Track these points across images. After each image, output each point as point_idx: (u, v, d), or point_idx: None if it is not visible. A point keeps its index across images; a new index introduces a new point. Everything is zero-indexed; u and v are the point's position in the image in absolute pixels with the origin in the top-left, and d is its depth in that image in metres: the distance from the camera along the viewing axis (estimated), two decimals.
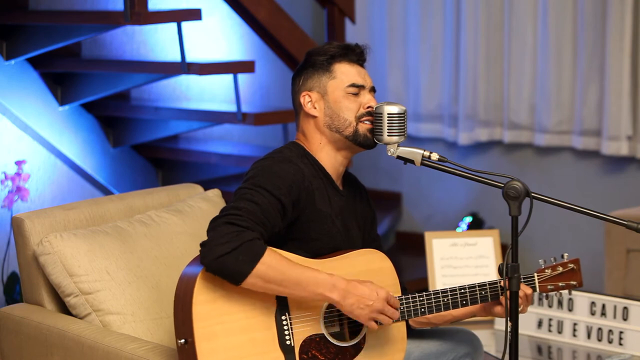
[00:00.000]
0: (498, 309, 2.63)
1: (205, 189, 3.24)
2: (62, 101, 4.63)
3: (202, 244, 2.34)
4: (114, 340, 2.58)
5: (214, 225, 2.34)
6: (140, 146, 5.00)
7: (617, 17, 4.98)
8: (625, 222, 2.47)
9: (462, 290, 2.60)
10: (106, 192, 4.77)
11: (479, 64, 5.49)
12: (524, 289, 2.62)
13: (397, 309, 2.46)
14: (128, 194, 3.08)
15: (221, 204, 3.13)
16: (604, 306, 3.39)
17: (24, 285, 2.86)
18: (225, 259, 2.29)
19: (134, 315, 2.70)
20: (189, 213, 3.00)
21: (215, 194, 3.16)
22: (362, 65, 2.63)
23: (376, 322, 2.44)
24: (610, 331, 3.36)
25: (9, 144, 4.36)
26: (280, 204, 2.42)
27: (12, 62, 4.39)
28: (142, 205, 3.04)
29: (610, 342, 3.36)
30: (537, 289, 2.68)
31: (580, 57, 5.16)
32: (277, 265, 2.34)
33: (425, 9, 5.69)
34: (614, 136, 5.06)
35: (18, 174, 4.12)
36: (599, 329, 3.38)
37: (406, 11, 5.77)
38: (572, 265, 2.70)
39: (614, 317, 3.36)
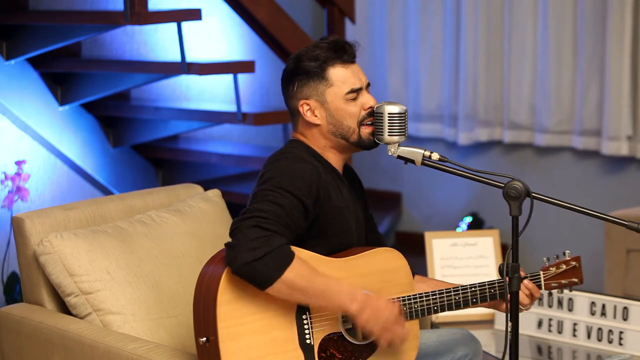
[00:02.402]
0: (504, 306, 2.63)
1: (205, 189, 3.24)
2: (62, 101, 4.63)
3: (229, 246, 2.32)
4: (114, 340, 2.58)
5: (240, 228, 2.32)
6: (140, 146, 5.00)
7: (617, 17, 4.98)
8: (625, 222, 2.47)
9: (473, 289, 2.61)
10: (106, 192, 4.77)
11: (479, 64, 5.50)
12: (534, 292, 2.62)
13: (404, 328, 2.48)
14: (128, 194, 3.08)
15: (221, 204, 3.13)
16: (604, 306, 3.39)
17: (24, 285, 2.86)
18: (255, 265, 2.29)
19: (134, 315, 2.70)
20: (189, 213, 3.00)
21: (215, 194, 3.16)
22: (354, 62, 2.61)
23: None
24: (610, 331, 3.36)
25: (9, 144, 4.36)
26: (302, 205, 2.42)
27: (12, 62, 4.39)
28: (142, 205, 3.03)
29: (610, 342, 3.36)
30: (542, 287, 2.69)
31: (580, 57, 5.16)
32: (304, 274, 2.34)
33: (425, 9, 5.69)
34: (614, 136, 5.06)
35: (18, 174, 4.12)
36: (599, 329, 3.38)
37: (406, 11, 5.77)
38: (574, 263, 2.71)
39: (614, 317, 3.36)
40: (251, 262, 2.28)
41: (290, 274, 2.31)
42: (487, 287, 2.62)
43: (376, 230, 2.83)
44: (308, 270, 2.35)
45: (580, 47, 5.16)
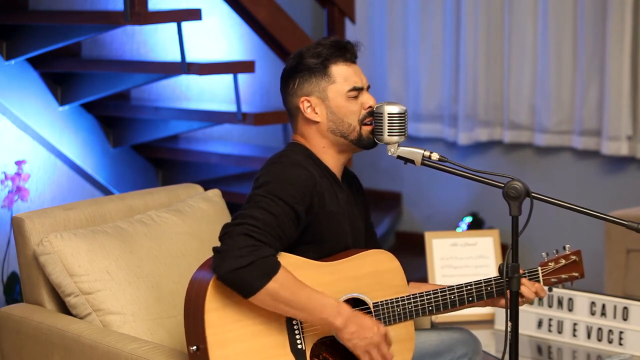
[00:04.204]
0: (503, 302, 2.62)
1: (205, 189, 3.24)
2: (62, 101, 4.63)
3: (216, 250, 2.33)
4: (114, 340, 2.58)
5: (230, 234, 2.32)
6: (140, 146, 5.00)
7: (617, 17, 4.99)
8: (625, 222, 2.47)
9: (469, 287, 2.60)
10: (106, 192, 4.77)
11: (479, 64, 5.50)
12: (539, 292, 2.61)
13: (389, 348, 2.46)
14: (128, 194, 3.08)
15: (221, 204, 3.13)
16: (604, 306, 3.39)
17: (24, 285, 2.86)
18: (239, 272, 2.28)
19: (134, 315, 2.70)
20: (189, 213, 3.00)
21: (215, 194, 3.16)
22: (355, 62, 2.61)
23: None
24: (610, 331, 3.36)
25: (9, 144, 4.36)
26: (294, 213, 2.41)
27: (12, 62, 4.39)
28: (142, 205, 3.03)
29: (610, 342, 3.36)
30: (541, 282, 2.68)
31: (580, 57, 5.16)
32: (288, 285, 2.33)
33: (425, 9, 5.69)
34: (614, 136, 5.06)
35: (18, 174, 4.12)
36: (599, 329, 3.38)
37: (406, 11, 5.77)
38: (574, 257, 2.71)
39: (614, 317, 3.36)
40: (236, 269, 2.28)
41: (275, 284, 2.31)
42: (483, 284, 2.61)
43: (375, 239, 2.81)
44: (293, 282, 2.35)
45: (580, 47, 5.16)
